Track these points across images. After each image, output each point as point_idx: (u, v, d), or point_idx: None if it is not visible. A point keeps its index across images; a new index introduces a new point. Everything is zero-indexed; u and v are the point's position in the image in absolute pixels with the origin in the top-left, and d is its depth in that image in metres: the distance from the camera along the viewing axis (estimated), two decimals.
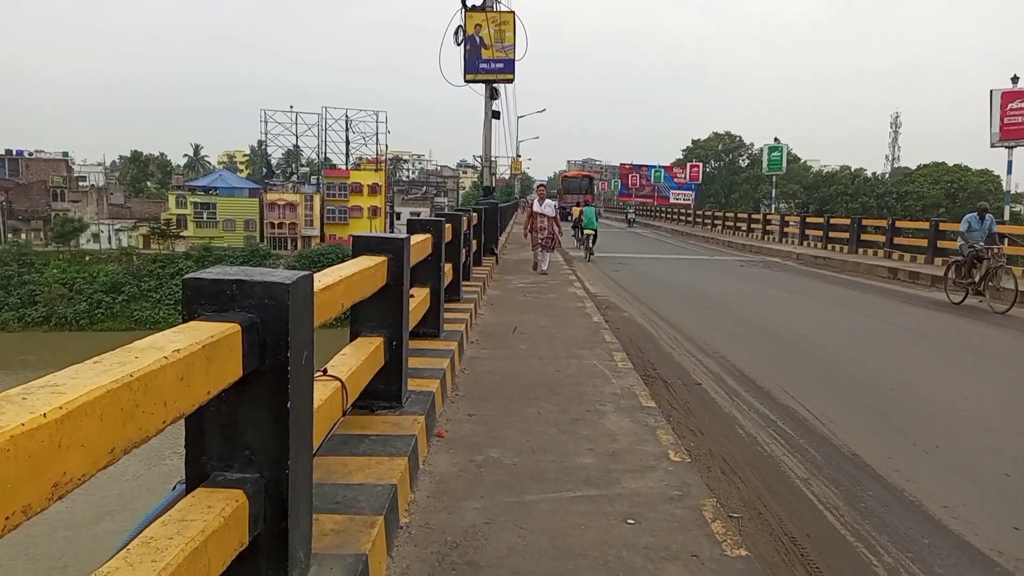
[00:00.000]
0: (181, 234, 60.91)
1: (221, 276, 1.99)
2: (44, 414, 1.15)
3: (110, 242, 62.95)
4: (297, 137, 79.17)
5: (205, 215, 67.09)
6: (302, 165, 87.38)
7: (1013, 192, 22.68)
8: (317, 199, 69.92)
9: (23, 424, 1.10)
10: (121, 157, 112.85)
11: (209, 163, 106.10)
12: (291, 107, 79.53)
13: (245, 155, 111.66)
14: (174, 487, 2.88)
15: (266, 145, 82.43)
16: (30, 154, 78.68)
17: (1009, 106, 20.41)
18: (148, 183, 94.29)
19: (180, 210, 66.81)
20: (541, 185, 15.55)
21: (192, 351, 1.63)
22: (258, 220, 67.70)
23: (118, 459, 1.37)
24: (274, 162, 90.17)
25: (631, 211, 49.94)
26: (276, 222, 67.64)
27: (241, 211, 67.83)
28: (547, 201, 13.94)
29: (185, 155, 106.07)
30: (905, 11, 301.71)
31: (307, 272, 2.24)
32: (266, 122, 77.00)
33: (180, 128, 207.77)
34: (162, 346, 1.60)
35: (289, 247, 64.60)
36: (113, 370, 1.39)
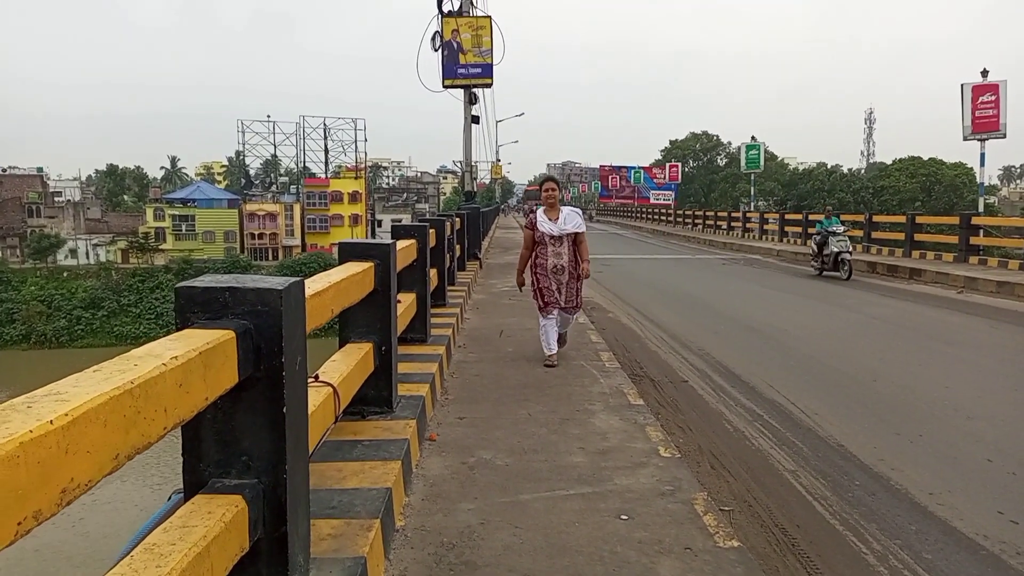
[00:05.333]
0: (160, 247, 60.34)
1: (214, 284, 2.00)
2: (51, 421, 1.16)
3: (88, 257, 62.24)
4: (275, 147, 78.76)
5: (184, 228, 66.50)
6: (281, 175, 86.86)
7: (987, 184, 23.02)
8: (297, 208, 69.56)
9: (31, 431, 1.12)
10: (97, 171, 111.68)
11: (187, 175, 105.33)
12: (268, 116, 79.34)
13: (223, 166, 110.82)
14: (169, 497, 2.88)
15: (244, 156, 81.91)
16: (3, 171, 77.78)
17: (980, 99, 20.73)
18: (125, 197, 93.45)
19: (158, 223, 66.15)
20: (550, 183, 6.64)
21: (190, 358, 1.64)
22: (238, 231, 67.20)
23: (122, 465, 1.38)
24: (252, 172, 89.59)
25: (593, 211, 64.63)
26: (256, 233, 67.21)
27: (220, 223, 67.30)
28: (566, 211, 6.55)
29: (162, 167, 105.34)
30: (880, 11, 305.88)
31: (299, 278, 2.26)
32: (243, 132, 76.58)
33: (156, 141, 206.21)
34: (159, 353, 1.61)
35: (270, 257, 64.19)
36: (114, 378, 1.40)
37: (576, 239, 6.46)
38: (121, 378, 1.40)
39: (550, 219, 6.46)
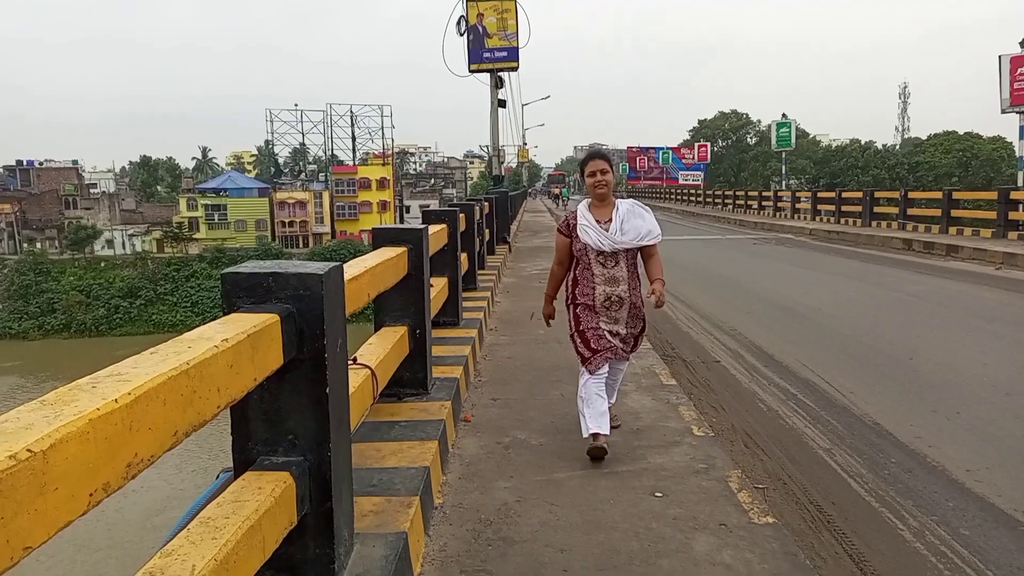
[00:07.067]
0: (194, 236, 61.40)
1: (257, 270, 2.07)
2: (116, 400, 1.23)
3: (124, 247, 63.49)
4: (303, 135, 79.60)
5: (216, 217, 67.49)
6: (309, 163, 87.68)
7: None
8: (326, 196, 70.18)
9: (98, 409, 1.18)
10: (130, 162, 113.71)
11: (217, 165, 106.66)
12: (296, 105, 79.94)
13: (252, 155, 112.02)
14: (218, 476, 2.98)
15: (273, 144, 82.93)
16: (40, 164, 79.31)
17: (1019, 71, 20.23)
18: (158, 187, 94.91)
19: (191, 213, 67.23)
20: (597, 161, 4.09)
21: (239, 340, 1.71)
22: (269, 219, 68.06)
23: (180, 442, 1.45)
24: (281, 161, 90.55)
25: (623, 192, 64.67)
26: (287, 220, 67.98)
27: (252, 211, 68.18)
28: (624, 207, 4.08)
29: (193, 158, 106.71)
30: None
31: (338, 263, 2.32)
32: (271, 121, 77.52)
33: (187, 131, 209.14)
34: (211, 336, 1.68)
35: (301, 245, 64.95)
36: (170, 359, 1.47)
37: (644, 253, 4.08)
38: (177, 359, 1.47)
39: (599, 221, 4.00)
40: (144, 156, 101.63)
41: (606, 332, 4.01)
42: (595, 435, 3.83)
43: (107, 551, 17.79)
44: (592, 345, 4.03)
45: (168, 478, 21.41)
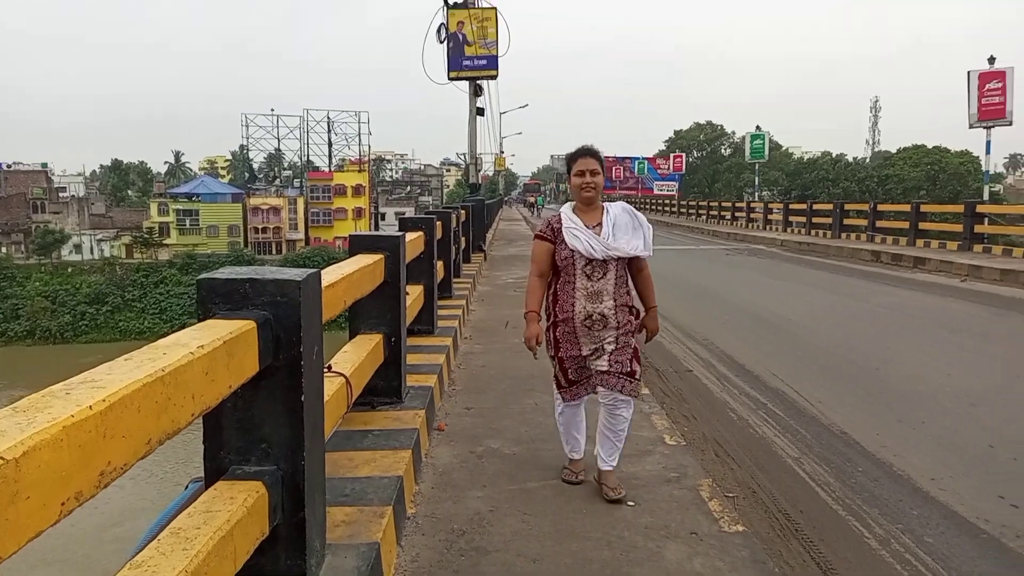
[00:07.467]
0: (164, 242, 60.58)
1: (234, 276, 2.07)
2: (90, 406, 1.23)
3: (92, 253, 62.44)
4: (279, 140, 78.98)
5: (188, 222, 66.65)
6: (284, 168, 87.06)
7: (992, 172, 22.99)
8: (301, 202, 69.68)
9: (72, 416, 1.18)
10: (101, 167, 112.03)
11: (190, 170, 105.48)
12: (272, 110, 79.56)
13: (226, 160, 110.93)
14: (186, 486, 2.95)
15: (247, 150, 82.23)
16: (8, 166, 77.87)
17: (986, 86, 20.72)
18: (129, 192, 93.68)
19: (162, 218, 66.32)
20: (587, 159, 3.57)
21: (215, 347, 1.71)
22: (242, 225, 67.37)
23: (154, 449, 1.45)
24: (256, 166, 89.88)
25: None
26: (260, 227, 67.34)
27: (224, 217, 67.47)
28: (615, 211, 3.62)
29: (166, 162, 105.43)
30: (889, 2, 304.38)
31: (316, 270, 2.32)
32: (247, 126, 76.84)
33: (160, 136, 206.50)
34: (186, 343, 1.68)
35: (274, 252, 64.33)
36: (145, 366, 1.47)
37: (633, 267, 3.63)
38: (152, 366, 1.47)
39: (587, 225, 3.54)
40: (115, 160, 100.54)
41: (583, 359, 3.56)
42: (572, 463, 3.73)
43: (60, 565, 17.33)
44: (570, 376, 3.63)
45: (124, 487, 21.00)
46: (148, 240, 58.94)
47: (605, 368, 3.52)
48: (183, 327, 1.87)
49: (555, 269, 3.60)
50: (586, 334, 3.52)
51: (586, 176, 3.56)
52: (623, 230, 3.54)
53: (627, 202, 3.83)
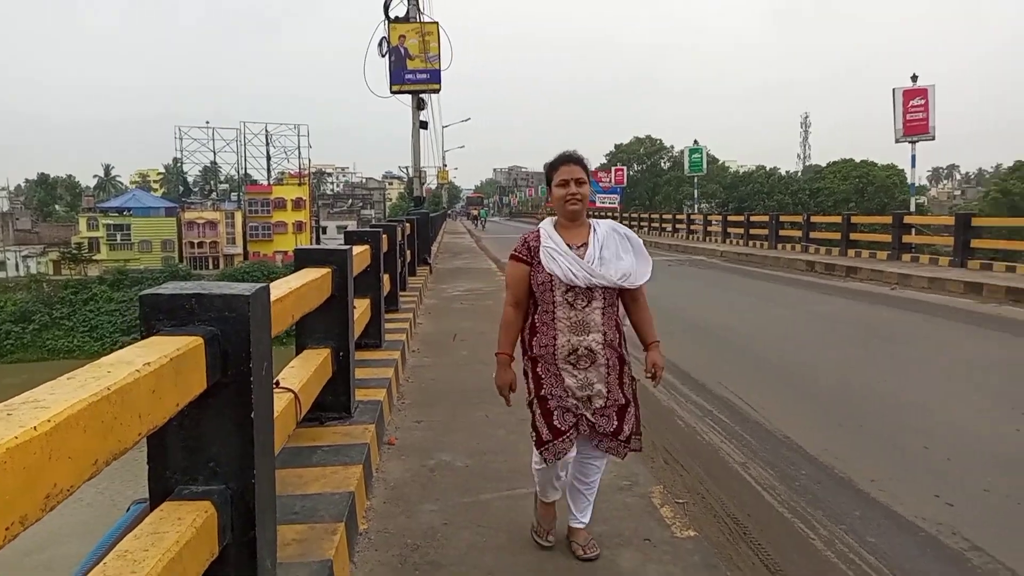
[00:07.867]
0: (94, 258, 58.44)
1: (179, 291, 2.00)
2: (35, 427, 1.17)
3: (18, 269, 59.79)
4: (215, 153, 76.97)
5: (119, 237, 64.46)
6: (221, 182, 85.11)
7: (917, 185, 24.04)
8: (239, 216, 68.17)
9: (16, 437, 1.13)
10: (27, 180, 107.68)
11: (121, 183, 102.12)
12: (207, 123, 77.58)
13: (160, 174, 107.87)
14: (128, 508, 2.84)
15: (182, 163, 79.92)
16: None
17: (910, 103, 21.69)
18: (57, 206, 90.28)
19: (92, 233, 63.98)
20: (571, 166, 2.97)
21: (162, 364, 1.65)
22: (176, 240, 65.52)
23: (100, 470, 1.39)
24: (191, 180, 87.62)
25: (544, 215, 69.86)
26: (196, 241, 65.62)
27: (158, 231, 65.50)
28: (603, 230, 3.04)
29: (95, 176, 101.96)
30: (819, 22, 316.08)
31: (264, 284, 2.27)
32: (181, 139, 74.65)
33: (89, 149, 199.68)
34: (131, 360, 1.62)
35: (211, 267, 62.74)
36: (90, 384, 1.41)
37: (628, 295, 3.16)
38: (97, 385, 1.41)
39: (571, 246, 2.98)
40: (42, 174, 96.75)
41: (571, 406, 2.94)
42: (545, 505, 3.16)
43: None
44: (555, 423, 2.92)
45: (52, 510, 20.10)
46: (77, 256, 56.74)
47: (599, 437, 3.01)
48: (115, 345, 1.81)
49: (532, 296, 3.02)
50: (573, 372, 2.94)
51: (570, 186, 2.97)
52: (611, 252, 2.96)
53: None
